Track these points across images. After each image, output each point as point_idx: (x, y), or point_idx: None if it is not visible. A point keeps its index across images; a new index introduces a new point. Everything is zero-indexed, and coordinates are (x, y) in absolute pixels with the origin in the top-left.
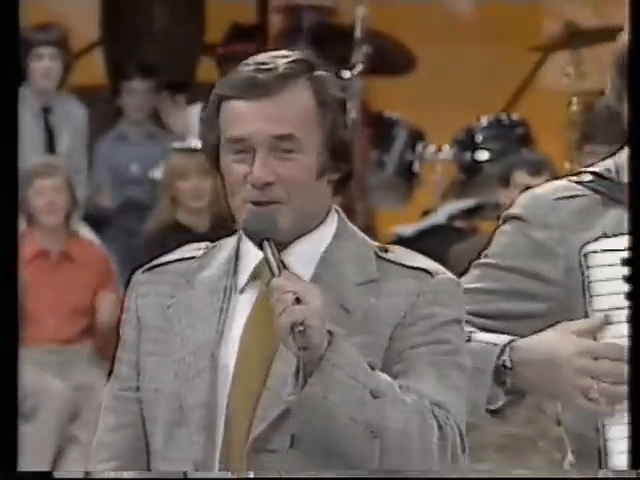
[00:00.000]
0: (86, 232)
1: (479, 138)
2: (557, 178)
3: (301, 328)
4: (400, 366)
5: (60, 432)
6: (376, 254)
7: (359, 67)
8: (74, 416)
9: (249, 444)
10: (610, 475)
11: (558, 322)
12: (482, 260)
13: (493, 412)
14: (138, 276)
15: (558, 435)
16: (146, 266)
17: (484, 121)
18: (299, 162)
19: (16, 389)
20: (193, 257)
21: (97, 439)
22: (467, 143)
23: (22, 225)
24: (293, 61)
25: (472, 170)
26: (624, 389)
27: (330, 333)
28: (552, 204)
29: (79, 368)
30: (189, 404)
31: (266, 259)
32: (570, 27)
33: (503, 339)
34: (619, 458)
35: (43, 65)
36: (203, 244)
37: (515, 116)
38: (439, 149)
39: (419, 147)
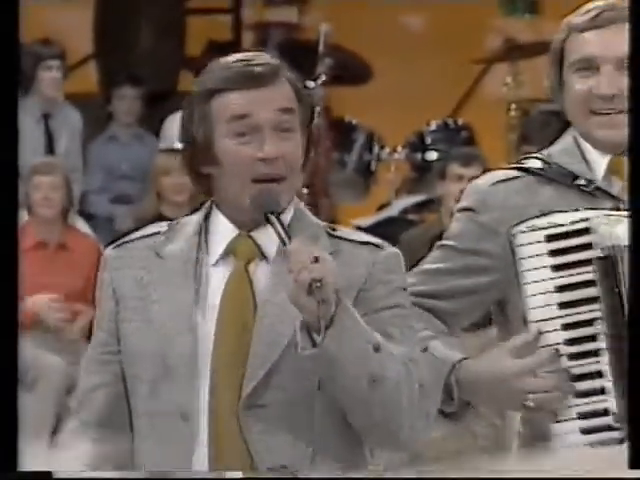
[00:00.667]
0: (81, 225)
1: (428, 140)
2: (490, 169)
3: (319, 284)
4: (370, 326)
5: (58, 402)
6: (327, 232)
7: (322, 77)
8: (70, 388)
9: (242, 401)
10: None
11: (499, 299)
12: (438, 244)
13: (446, 416)
14: (110, 252)
15: None
16: (115, 243)
17: (433, 125)
18: (295, 141)
19: (16, 390)
20: (158, 232)
21: (78, 399)
22: (418, 145)
23: (24, 218)
24: (274, 60)
25: (422, 169)
26: (563, 393)
27: (337, 293)
28: (489, 189)
29: (74, 344)
30: (173, 361)
31: (275, 230)
32: (509, 42)
33: (453, 358)
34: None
35: (51, 75)
36: (164, 222)
37: (460, 120)
38: (393, 150)
39: (376, 148)
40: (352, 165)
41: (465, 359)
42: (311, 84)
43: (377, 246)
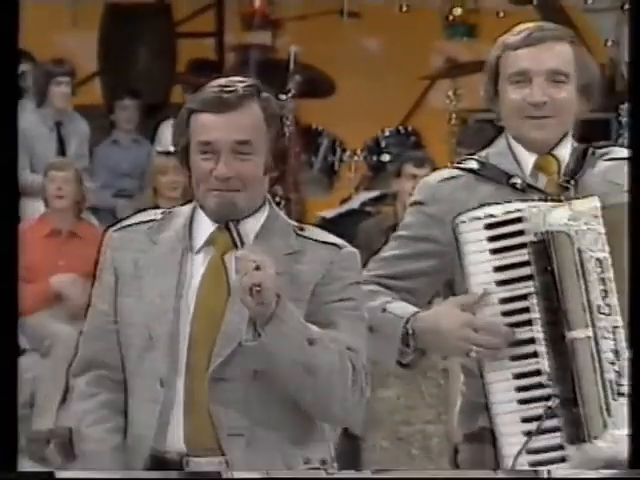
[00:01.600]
0: (89, 216)
1: (383, 144)
2: (438, 169)
3: (258, 289)
4: (321, 318)
5: (68, 367)
6: (295, 232)
7: (292, 91)
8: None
9: (209, 374)
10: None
11: (447, 279)
12: (393, 234)
13: (403, 365)
14: (112, 233)
15: (442, 367)
16: (117, 226)
17: (387, 132)
18: (253, 162)
19: (16, 391)
20: (153, 219)
21: (79, 358)
22: (374, 148)
23: (41, 210)
24: (247, 85)
25: (378, 168)
26: (498, 347)
27: (278, 295)
28: (437, 185)
29: (82, 318)
30: (157, 334)
31: (231, 236)
32: (450, 61)
33: (409, 311)
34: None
35: (61, 90)
36: (159, 210)
37: (410, 128)
38: (353, 153)
39: (338, 152)
40: (318, 165)
41: (418, 312)
42: (283, 97)
43: (337, 246)
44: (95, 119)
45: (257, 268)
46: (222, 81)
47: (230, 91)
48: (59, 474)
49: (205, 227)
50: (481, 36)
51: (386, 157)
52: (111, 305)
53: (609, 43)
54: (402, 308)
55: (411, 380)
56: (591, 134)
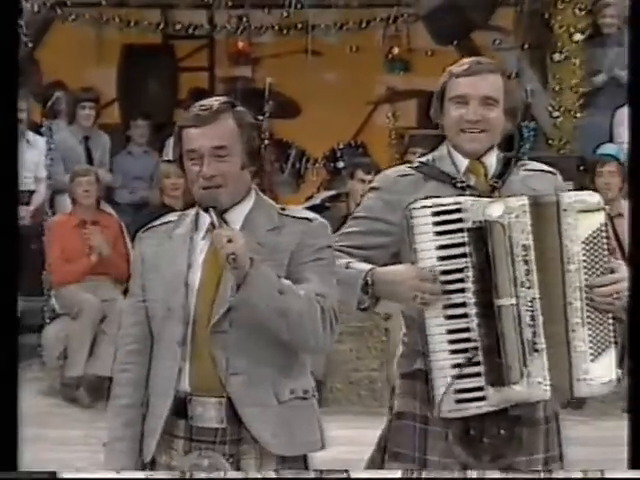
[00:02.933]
0: (108, 209)
1: (338, 154)
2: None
3: (233, 257)
4: (296, 275)
5: (94, 327)
6: (277, 212)
7: (268, 113)
8: (102, 318)
9: (210, 327)
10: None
11: (394, 252)
12: (354, 214)
13: (362, 309)
14: (140, 234)
15: (385, 326)
16: (144, 228)
17: (341, 145)
18: (230, 162)
19: (16, 391)
20: (171, 221)
21: (121, 333)
22: (331, 158)
23: (70, 205)
24: (222, 102)
25: (334, 173)
26: (437, 293)
27: (251, 259)
28: (394, 179)
29: (104, 289)
30: (173, 306)
31: (211, 218)
32: (390, 90)
33: (368, 267)
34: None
35: (86, 112)
36: (178, 213)
37: (359, 141)
38: (315, 161)
39: (304, 160)
40: (288, 171)
41: (375, 268)
42: (260, 117)
43: (309, 219)
44: (114, 135)
45: (229, 241)
46: (203, 101)
47: (206, 109)
48: (60, 474)
49: (206, 220)
50: (414, 70)
51: (340, 164)
52: (140, 287)
53: (513, 75)
54: (362, 265)
55: (360, 337)
56: (500, 145)
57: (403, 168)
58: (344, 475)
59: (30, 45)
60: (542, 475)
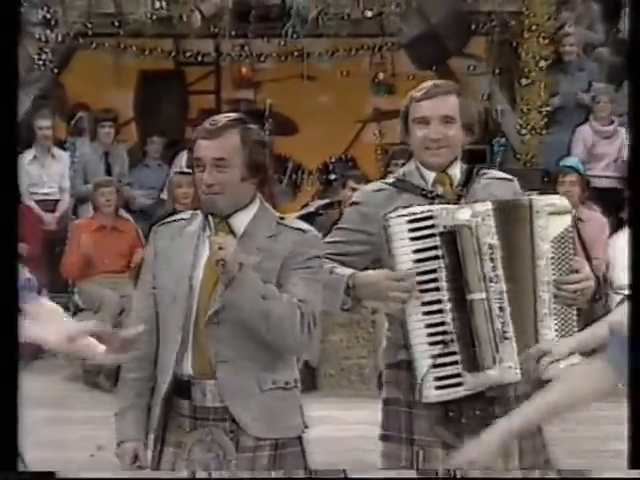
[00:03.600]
0: (126, 215)
1: (330, 167)
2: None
3: (222, 262)
4: (285, 279)
5: (113, 320)
6: (276, 221)
7: (268, 131)
8: (120, 312)
9: (206, 319)
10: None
11: (373, 258)
12: (338, 225)
13: (345, 310)
14: (155, 228)
15: (372, 319)
16: (159, 222)
17: (333, 159)
18: (229, 173)
19: (15, 392)
20: (183, 218)
21: (132, 315)
22: (324, 170)
23: (91, 212)
24: (230, 119)
25: (327, 184)
26: (408, 291)
27: (241, 265)
28: (371, 194)
29: (123, 286)
30: (178, 295)
31: (208, 226)
32: (376, 110)
33: (350, 272)
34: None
35: (106, 131)
36: (190, 212)
37: (349, 156)
38: (310, 173)
39: (300, 172)
40: (286, 182)
41: (355, 273)
42: (262, 134)
43: (303, 230)
44: (132, 150)
45: (220, 248)
46: (215, 117)
47: (215, 124)
48: (60, 475)
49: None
50: (397, 93)
51: (332, 176)
52: (151, 276)
53: (484, 97)
54: (344, 270)
55: (350, 329)
56: (473, 159)
57: (379, 184)
58: (341, 475)
59: (56, 71)
60: (542, 475)
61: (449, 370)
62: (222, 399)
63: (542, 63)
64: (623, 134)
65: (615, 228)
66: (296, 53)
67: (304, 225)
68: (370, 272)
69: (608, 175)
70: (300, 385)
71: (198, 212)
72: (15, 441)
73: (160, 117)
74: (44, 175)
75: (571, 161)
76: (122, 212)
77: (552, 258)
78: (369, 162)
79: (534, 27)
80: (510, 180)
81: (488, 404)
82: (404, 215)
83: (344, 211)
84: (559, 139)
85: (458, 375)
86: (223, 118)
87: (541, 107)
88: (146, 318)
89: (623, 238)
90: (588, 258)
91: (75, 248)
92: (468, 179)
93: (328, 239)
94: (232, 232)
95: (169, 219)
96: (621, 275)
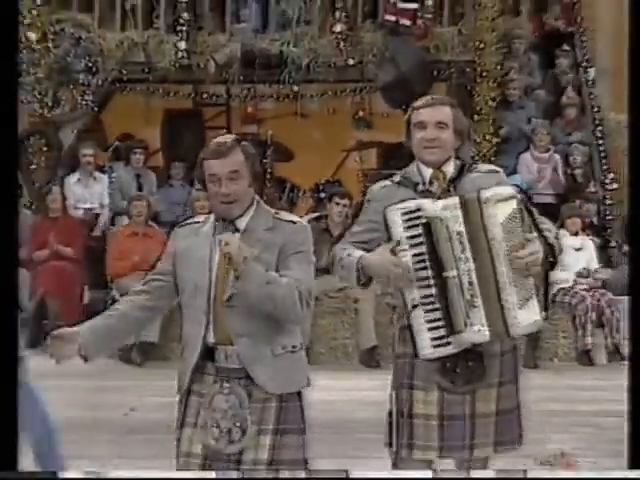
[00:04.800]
0: (154, 225)
1: (321, 188)
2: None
3: (228, 256)
4: (283, 263)
5: None
6: (273, 216)
7: (269, 158)
8: None
9: (223, 303)
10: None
11: (380, 243)
12: (358, 220)
13: (362, 285)
14: (176, 229)
15: (355, 307)
16: (179, 224)
17: (323, 180)
18: (241, 184)
19: (15, 392)
20: (199, 221)
21: (147, 278)
22: (315, 190)
23: (126, 221)
24: (232, 140)
25: (318, 201)
26: (403, 272)
27: (245, 258)
28: (377, 191)
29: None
30: (200, 284)
31: (220, 227)
32: (358, 142)
33: (360, 254)
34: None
35: (137, 157)
36: (204, 216)
37: (336, 178)
38: (304, 192)
39: (295, 191)
40: (284, 199)
41: (363, 255)
42: (265, 161)
43: (293, 222)
44: (159, 173)
45: (226, 244)
46: (217, 139)
47: (222, 145)
48: (61, 474)
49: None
50: (374, 127)
51: (322, 195)
52: (170, 265)
53: None
54: (356, 253)
55: (336, 316)
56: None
57: (383, 182)
58: (343, 475)
59: (96, 109)
60: (543, 475)
61: (438, 333)
62: (241, 363)
63: (491, 102)
64: (557, 159)
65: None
66: (291, 95)
67: (295, 218)
68: (372, 254)
69: (546, 193)
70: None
71: (210, 216)
72: (15, 441)
73: (182, 147)
74: (87, 194)
75: (516, 179)
76: (151, 223)
77: (504, 238)
78: (352, 183)
79: (485, 74)
80: (496, 172)
81: (478, 357)
82: (399, 209)
83: (363, 207)
84: (506, 164)
85: (445, 337)
86: (227, 139)
87: (491, 138)
88: (158, 284)
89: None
90: (539, 229)
91: (114, 250)
92: (460, 174)
93: (350, 230)
94: (237, 230)
95: (187, 221)
96: (557, 274)
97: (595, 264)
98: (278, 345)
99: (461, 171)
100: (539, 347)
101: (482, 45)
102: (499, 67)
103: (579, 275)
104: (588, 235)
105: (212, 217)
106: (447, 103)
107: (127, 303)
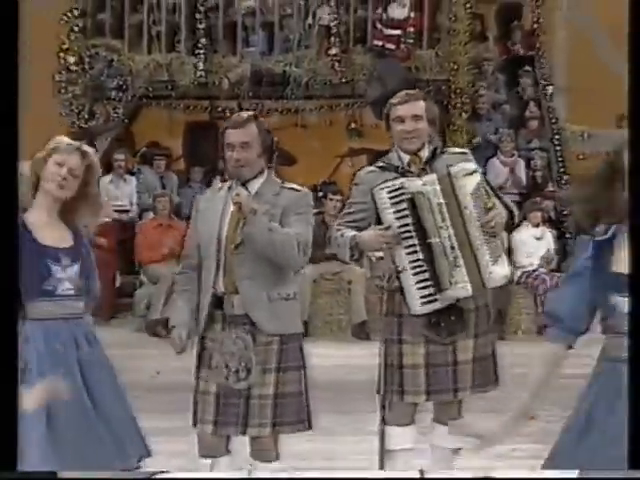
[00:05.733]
0: (175, 218)
1: (319, 188)
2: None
3: (238, 205)
4: (286, 221)
5: (167, 289)
6: (279, 185)
7: (275, 162)
8: (172, 283)
9: (232, 248)
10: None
11: (370, 222)
12: (347, 202)
13: (354, 260)
14: (198, 196)
15: (347, 287)
16: (200, 194)
17: (320, 182)
18: (250, 152)
19: (15, 392)
20: (217, 187)
21: (183, 252)
22: (314, 190)
23: (152, 215)
24: (249, 115)
25: (316, 200)
26: (393, 242)
27: (254, 209)
28: (364, 175)
29: (174, 265)
30: (213, 235)
31: (233, 187)
32: (350, 149)
33: (354, 234)
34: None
35: (159, 162)
36: (220, 183)
37: (332, 180)
38: None
39: None
40: None
41: (356, 234)
42: (270, 164)
43: (296, 189)
44: (180, 176)
45: (237, 195)
46: (238, 113)
47: (239, 118)
48: (61, 474)
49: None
50: (364, 137)
51: (320, 194)
52: (195, 230)
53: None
54: (349, 233)
55: (332, 295)
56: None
57: (369, 168)
58: (345, 475)
59: (126, 121)
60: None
61: (427, 291)
62: (244, 309)
63: (464, 115)
64: (521, 163)
65: (516, 227)
66: (293, 109)
67: (297, 186)
68: (363, 233)
69: (511, 192)
70: (299, 298)
71: (226, 182)
72: (15, 441)
73: (200, 154)
74: (118, 193)
75: None
76: (173, 216)
77: (474, 205)
78: (345, 184)
79: (458, 91)
80: (464, 153)
81: (459, 312)
82: (385, 188)
83: (352, 191)
84: None
85: (432, 294)
86: (244, 114)
87: (463, 146)
88: (190, 254)
89: (520, 233)
90: (499, 197)
91: (142, 240)
92: (433, 156)
93: (344, 212)
94: (248, 191)
95: (208, 189)
96: (522, 259)
97: (553, 251)
98: (274, 292)
99: (434, 154)
100: (505, 322)
101: (456, 66)
102: (470, 85)
103: (543, 258)
104: (547, 227)
105: (227, 184)
106: (420, 97)
107: (188, 282)
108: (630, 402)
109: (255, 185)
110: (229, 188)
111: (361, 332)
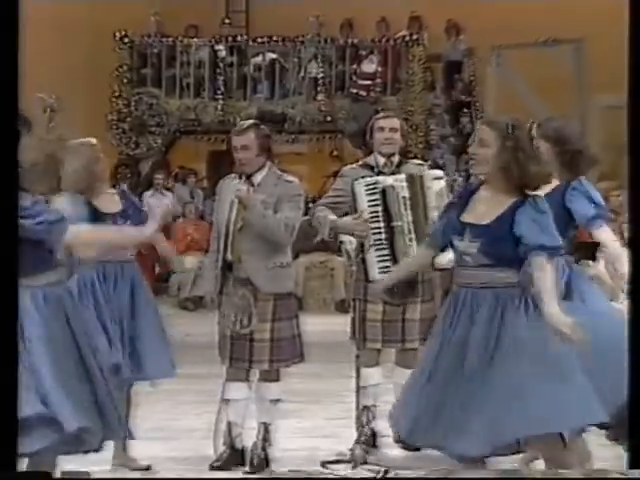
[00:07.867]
0: (201, 221)
1: (308, 201)
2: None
3: (238, 196)
4: (279, 207)
5: (195, 273)
6: (278, 176)
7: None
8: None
9: (236, 232)
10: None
11: (346, 210)
12: (331, 188)
13: (330, 238)
14: (220, 181)
15: (331, 274)
16: (221, 180)
17: (310, 196)
18: (249, 153)
19: (15, 392)
20: (231, 177)
21: (213, 230)
22: (305, 203)
23: (181, 219)
24: (249, 124)
25: (307, 210)
26: (365, 228)
27: (250, 199)
28: (348, 170)
29: (200, 256)
30: (224, 218)
31: (240, 179)
32: (334, 171)
33: (333, 218)
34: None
35: (191, 180)
36: (234, 175)
37: (320, 194)
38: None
39: None
40: None
41: (334, 218)
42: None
43: (289, 181)
44: (205, 191)
45: (238, 190)
46: (241, 122)
47: (241, 126)
48: (61, 475)
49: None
50: (344, 161)
51: (310, 205)
52: (216, 213)
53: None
54: (330, 216)
55: (321, 279)
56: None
57: (352, 165)
58: (345, 474)
59: (164, 149)
60: (542, 475)
61: (385, 264)
62: (246, 273)
63: (419, 145)
64: (460, 180)
65: None
66: (290, 140)
67: (291, 178)
68: (341, 219)
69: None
70: (292, 266)
71: (237, 176)
72: (15, 441)
73: (220, 175)
74: (157, 204)
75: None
76: (199, 221)
77: (436, 201)
78: None
79: (414, 127)
80: (421, 164)
81: (410, 282)
82: (363, 181)
83: (336, 180)
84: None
85: (388, 267)
86: (245, 123)
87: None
88: (216, 235)
89: None
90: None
91: (175, 237)
92: (400, 163)
93: (326, 195)
94: (252, 184)
95: (226, 178)
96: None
97: None
98: (270, 261)
99: (400, 162)
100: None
101: (413, 109)
102: (424, 123)
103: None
104: None
105: (238, 176)
106: (395, 116)
107: (214, 256)
108: (630, 403)
109: (258, 177)
110: (239, 179)
111: (341, 307)
